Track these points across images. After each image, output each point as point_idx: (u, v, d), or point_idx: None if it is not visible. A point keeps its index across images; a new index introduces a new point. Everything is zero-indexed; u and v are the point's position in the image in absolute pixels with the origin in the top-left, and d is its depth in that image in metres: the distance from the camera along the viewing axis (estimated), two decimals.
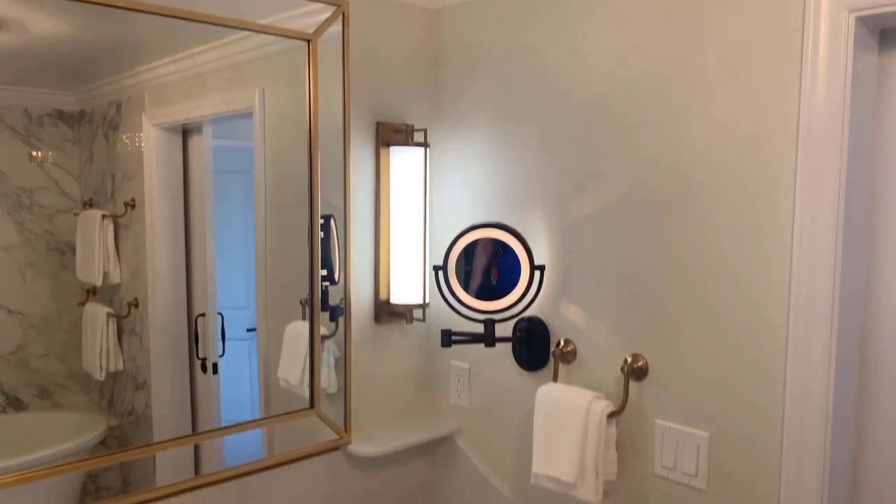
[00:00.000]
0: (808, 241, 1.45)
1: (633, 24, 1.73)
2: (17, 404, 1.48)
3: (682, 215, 1.65)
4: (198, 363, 1.82)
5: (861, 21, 1.39)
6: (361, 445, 2.02)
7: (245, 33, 1.80)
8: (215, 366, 1.84)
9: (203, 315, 1.83)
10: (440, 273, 1.92)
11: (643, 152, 1.72)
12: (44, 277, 1.53)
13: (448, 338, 1.91)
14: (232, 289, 1.88)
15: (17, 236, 1.50)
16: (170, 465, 1.71)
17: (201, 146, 1.83)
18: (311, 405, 1.93)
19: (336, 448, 2.01)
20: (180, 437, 1.73)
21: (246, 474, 1.83)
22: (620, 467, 1.75)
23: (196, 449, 1.79)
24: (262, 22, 1.79)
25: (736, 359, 1.57)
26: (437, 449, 2.22)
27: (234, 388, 1.90)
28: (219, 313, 1.86)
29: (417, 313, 2.14)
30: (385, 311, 2.13)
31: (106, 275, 1.64)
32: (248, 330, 1.90)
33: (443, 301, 1.95)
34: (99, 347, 1.61)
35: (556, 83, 1.90)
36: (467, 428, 2.18)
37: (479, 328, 1.91)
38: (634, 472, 1.75)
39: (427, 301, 2.12)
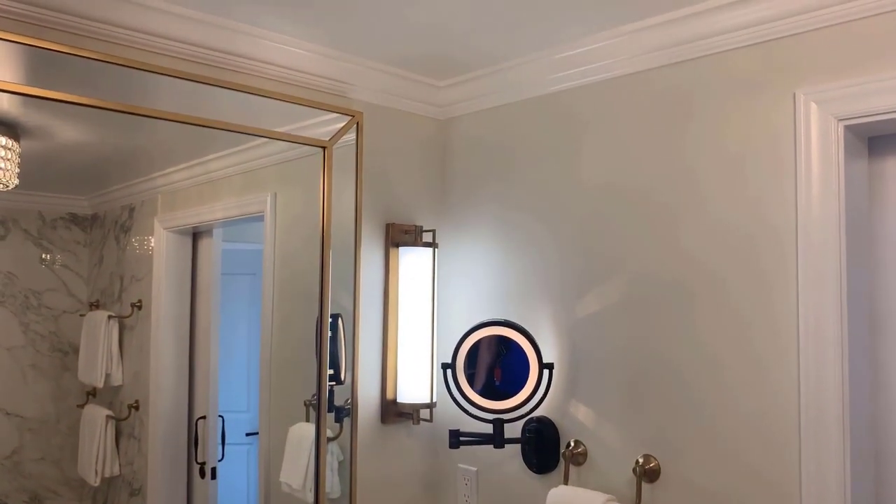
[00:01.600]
0: (813, 349, 1.44)
1: (631, 132, 1.79)
2: None
3: (686, 316, 1.66)
4: (196, 468, 1.78)
5: (849, 129, 1.44)
6: None
7: (259, 141, 1.86)
8: (214, 470, 1.80)
9: (204, 418, 1.80)
10: (448, 371, 1.90)
11: (647, 253, 1.74)
12: (45, 379, 1.52)
13: (456, 438, 1.87)
14: (232, 392, 1.86)
15: (21, 337, 1.50)
16: None
17: (211, 249, 1.85)
18: None
19: None
20: None
21: None
22: None
23: None
24: (281, 130, 1.86)
25: (750, 456, 1.53)
26: None
27: (232, 494, 1.84)
28: (219, 416, 1.83)
29: (424, 413, 2.11)
30: (391, 412, 2.10)
31: (108, 376, 1.63)
32: (248, 434, 1.87)
33: (450, 401, 1.93)
34: (96, 451, 1.59)
35: (559, 185, 1.95)
36: None
37: (488, 428, 1.88)
38: None
39: (434, 401, 2.09)
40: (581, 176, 1.89)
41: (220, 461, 1.81)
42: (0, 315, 1.48)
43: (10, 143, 1.50)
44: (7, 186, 1.49)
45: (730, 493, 1.56)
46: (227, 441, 1.83)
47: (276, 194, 1.93)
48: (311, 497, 1.89)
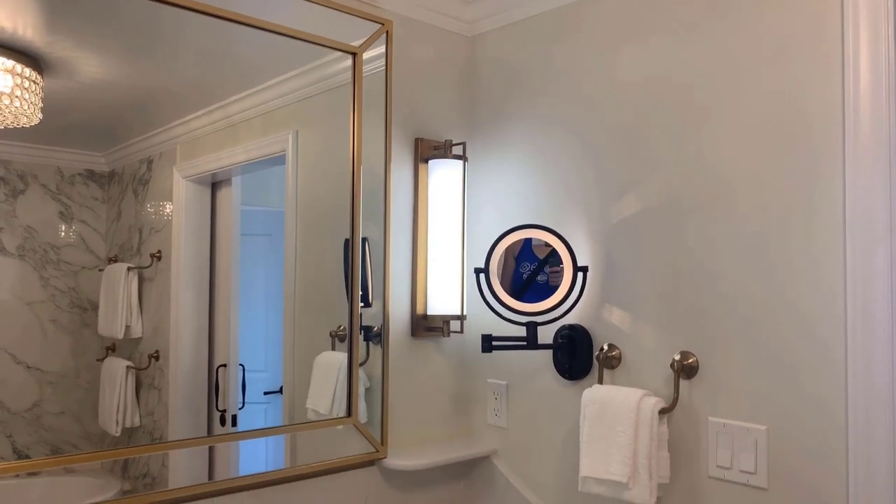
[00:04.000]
0: (861, 243, 1.40)
1: (668, 28, 1.75)
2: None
3: (726, 211, 1.63)
4: (217, 415, 1.80)
5: None
6: (398, 460, 1.99)
7: (279, 78, 1.86)
8: (235, 418, 1.82)
9: (224, 366, 1.81)
10: (482, 276, 1.89)
11: (684, 152, 1.71)
12: (65, 334, 1.53)
13: (489, 343, 1.87)
14: (251, 351, 1.86)
15: (41, 292, 1.50)
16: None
17: (230, 198, 1.83)
18: (349, 414, 1.92)
19: (371, 462, 2.00)
20: (196, 438, 1.73)
21: (273, 483, 1.81)
22: (673, 470, 1.70)
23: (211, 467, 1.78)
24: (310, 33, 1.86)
25: (792, 347, 1.52)
26: (473, 470, 2.20)
27: (254, 445, 1.86)
28: (240, 364, 1.84)
29: (455, 325, 2.13)
30: (421, 326, 2.12)
31: (128, 328, 1.63)
32: (266, 393, 1.88)
33: (480, 313, 1.96)
34: (116, 401, 1.60)
35: (591, 93, 1.92)
36: (505, 449, 2.14)
37: (520, 336, 1.88)
38: (688, 474, 1.69)
39: (464, 313, 2.11)
40: (614, 81, 1.86)
41: (240, 409, 1.82)
42: (20, 269, 1.47)
43: (33, 75, 1.47)
44: (31, 121, 1.47)
45: (770, 388, 1.55)
46: (245, 401, 1.84)
47: (297, 132, 1.90)
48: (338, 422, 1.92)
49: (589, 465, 1.73)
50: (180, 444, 1.69)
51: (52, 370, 1.51)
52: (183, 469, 1.69)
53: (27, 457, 1.46)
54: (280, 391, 1.90)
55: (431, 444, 2.15)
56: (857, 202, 1.41)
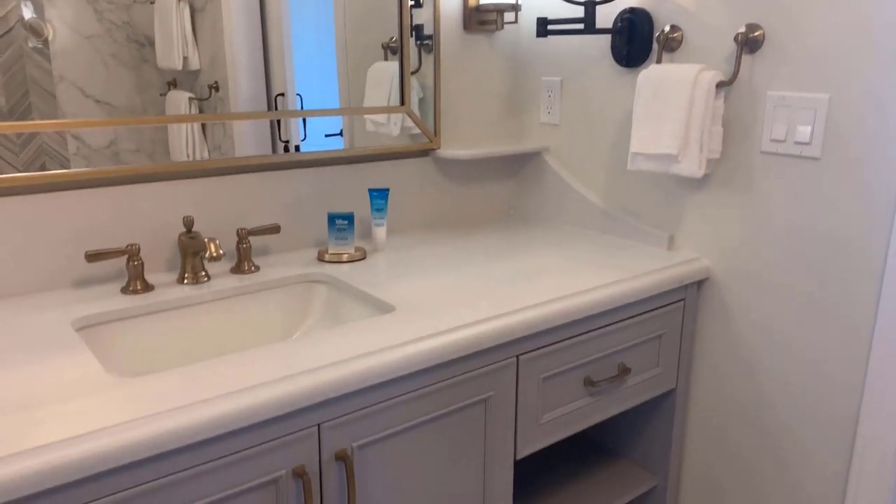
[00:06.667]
0: None
1: None
2: None
3: None
4: (280, 146, 1.84)
5: None
6: (451, 150, 2.07)
7: None
8: (297, 148, 1.86)
9: (283, 94, 1.82)
10: None
11: None
12: (126, 69, 1.52)
13: (544, 26, 1.81)
14: (307, 88, 1.83)
15: (98, 26, 1.47)
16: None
17: None
18: (402, 103, 1.98)
19: (425, 153, 2.08)
20: (261, 112, 1.77)
21: (333, 162, 1.90)
22: (725, 146, 1.70)
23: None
24: None
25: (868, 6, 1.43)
26: (525, 166, 2.27)
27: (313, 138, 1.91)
28: (298, 94, 1.84)
29: (509, 16, 2.08)
30: (474, 19, 2.07)
31: (185, 59, 1.62)
32: (327, 136, 1.89)
33: (534, 4, 1.89)
34: (185, 135, 1.64)
35: None
36: (557, 145, 2.18)
37: (577, 18, 1.82)
38: (740, 150, 1.69)
39: (519, 2, 2.05)
40: None
41: (302, 140, 1.86)
42: (73, 1, 1.43)
43: None
44: None
45: (838, 56, 1.48)
46: (307, 136, 1.85)
47: None
48: (395, 130, 1.99)
49: (639, 142, 1.72)
50: (246, 116, 1.74)
51: (120, 105, 1.53)
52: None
53: None
54: (340, 133, 1.91)
55: (484, 141, 2.21)
56: None
